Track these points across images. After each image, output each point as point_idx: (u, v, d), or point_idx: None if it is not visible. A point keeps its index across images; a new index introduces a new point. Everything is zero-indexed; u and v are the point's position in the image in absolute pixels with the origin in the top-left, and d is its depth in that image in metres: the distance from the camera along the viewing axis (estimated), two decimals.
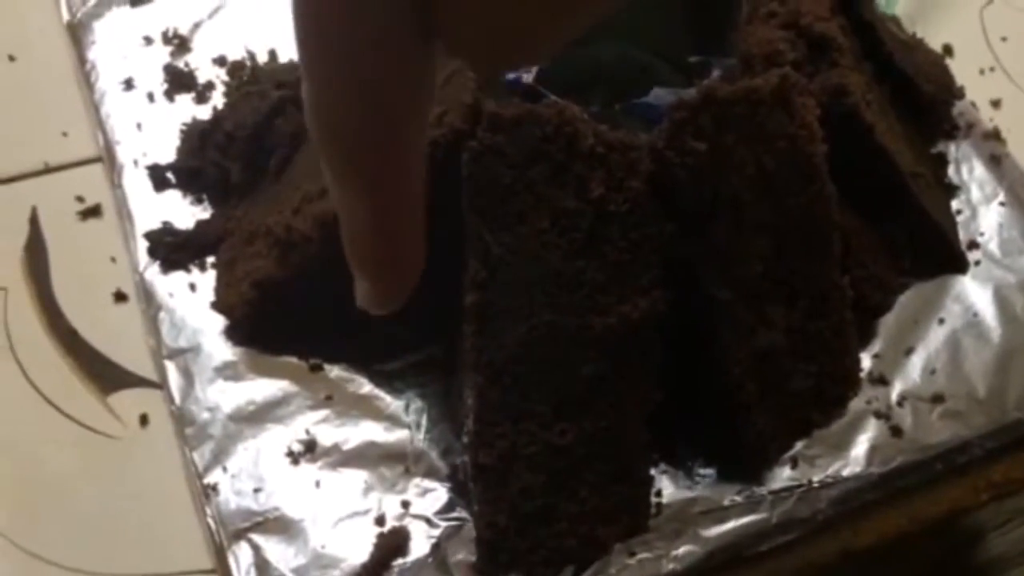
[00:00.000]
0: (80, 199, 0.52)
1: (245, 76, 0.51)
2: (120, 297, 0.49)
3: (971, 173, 0.54)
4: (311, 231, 0.43)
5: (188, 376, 0.46)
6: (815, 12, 0.46)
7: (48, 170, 0.53)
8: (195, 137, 0.49)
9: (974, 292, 0.51)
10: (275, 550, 0.42)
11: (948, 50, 0.61)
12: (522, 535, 0.41)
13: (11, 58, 0.56)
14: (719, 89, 0.39)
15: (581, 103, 0.42)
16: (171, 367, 0.46)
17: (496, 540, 0.41)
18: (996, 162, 0.55)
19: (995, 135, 0.56)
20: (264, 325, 0.46)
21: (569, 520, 0.42)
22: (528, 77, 0.46)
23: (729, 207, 0.40)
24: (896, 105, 0.50)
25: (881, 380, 0.48)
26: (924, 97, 0.50)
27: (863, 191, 0.48)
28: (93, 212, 0.51)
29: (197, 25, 0.56)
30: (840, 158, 0.45)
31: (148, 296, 0.48)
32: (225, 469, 0.44)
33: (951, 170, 0.54)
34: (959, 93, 0.54)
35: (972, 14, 0.64)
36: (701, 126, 0.39)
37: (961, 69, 0.60)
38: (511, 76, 0.47)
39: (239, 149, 0.48)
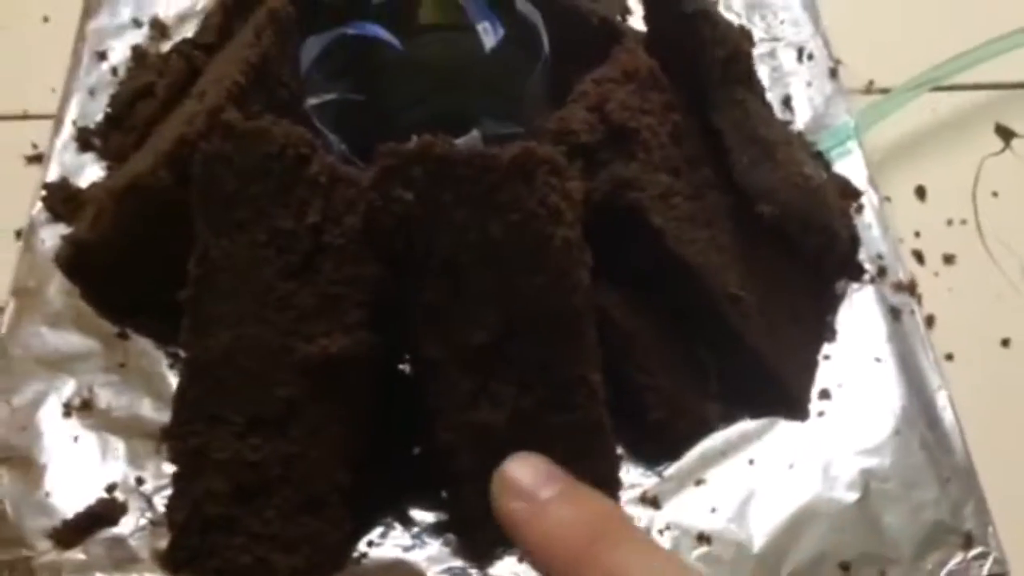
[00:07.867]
0: (35, 145, 0.58)
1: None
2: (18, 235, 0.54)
3: (860, 322, 0.50)
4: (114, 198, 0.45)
5: (20, 314, 0.50)
6: (627, 102, 0.44)
7: (25, 116, 0.60)
8: (117, 105, 0.54)
9: (798, 443, 0.46)
10: (6, 481, 0.45)
11: (921, 192, 0.56)
12: (202, 536, 0.42)
13: (45, 19, 0.64)
14: (437, 145, 0.38)
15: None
16: (12, 303, 0.51)
17: (177, 536, 0.42)
18: (895, 316, 0.50)
19: (909, 288, 0.50)
20: (84, 282, 0.49)
21: (249, 536, 0.42)
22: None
23: (444, 266, 0.39)
24: (748, 224, 0.46)
25: (653, 502, 0.45)
26: (762, 218, 0.44)
27: (669, 300, 0.45)
28: (36, 159, 0.57)
29: (182, 18, 0.61)
30: (628, 257, 0.43)
31: (28, 237, 0.53)
32: (8, 402, 0.48)
33: (844, 314, 0.50)
34: (824, 231, 0.47)
35: (971, 160, 0.58)
36: (412, 177, 0.38)
37: (928, 215, 0.55)
38: None
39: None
